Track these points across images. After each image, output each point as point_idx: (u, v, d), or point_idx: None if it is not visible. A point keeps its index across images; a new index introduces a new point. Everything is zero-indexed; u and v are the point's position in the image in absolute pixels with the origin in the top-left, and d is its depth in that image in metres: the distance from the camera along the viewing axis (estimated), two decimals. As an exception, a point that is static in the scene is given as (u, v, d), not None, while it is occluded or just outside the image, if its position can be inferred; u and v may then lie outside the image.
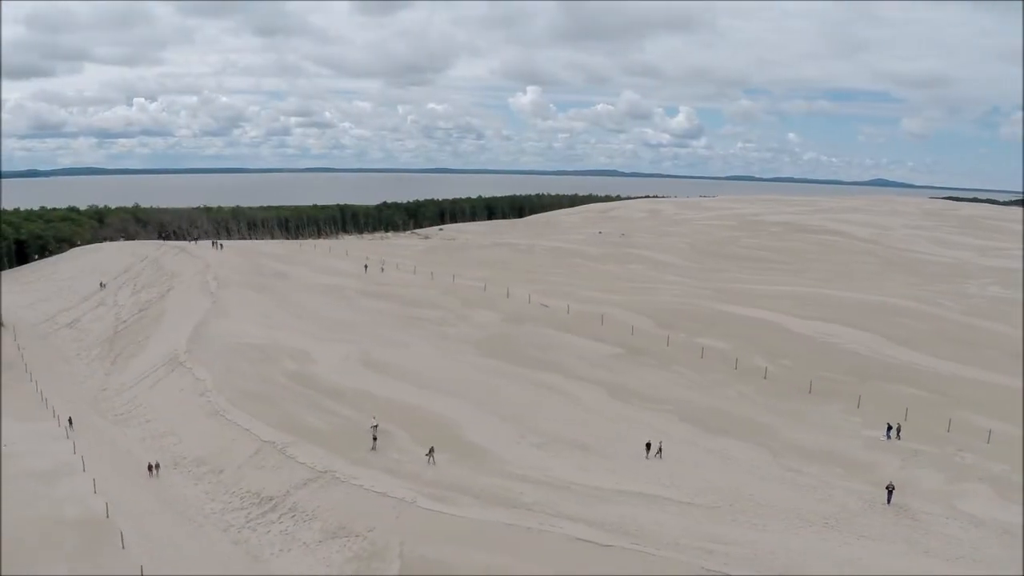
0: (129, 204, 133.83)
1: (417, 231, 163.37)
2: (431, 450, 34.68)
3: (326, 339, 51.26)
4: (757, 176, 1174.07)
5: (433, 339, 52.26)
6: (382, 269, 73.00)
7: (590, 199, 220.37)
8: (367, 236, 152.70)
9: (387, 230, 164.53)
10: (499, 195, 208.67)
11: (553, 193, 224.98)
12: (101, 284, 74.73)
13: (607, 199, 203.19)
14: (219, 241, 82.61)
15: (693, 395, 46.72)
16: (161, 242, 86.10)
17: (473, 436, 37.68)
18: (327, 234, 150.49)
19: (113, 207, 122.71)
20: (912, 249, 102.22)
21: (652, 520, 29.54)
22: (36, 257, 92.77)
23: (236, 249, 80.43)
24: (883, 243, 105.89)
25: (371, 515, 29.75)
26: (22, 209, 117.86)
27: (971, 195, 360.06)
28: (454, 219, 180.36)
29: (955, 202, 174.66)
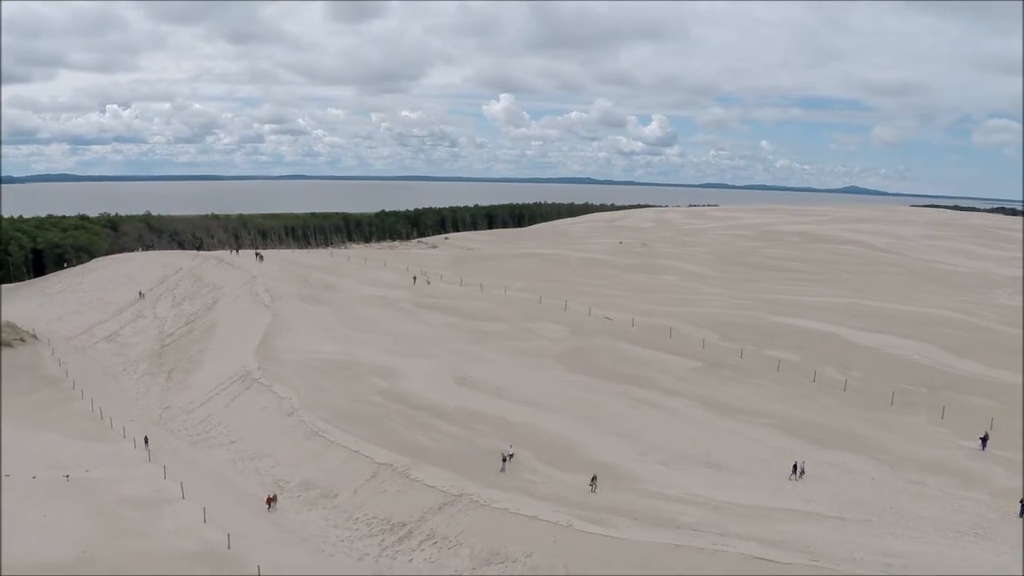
0: (110, 211, 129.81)
1: (423, 240, 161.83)
2: (594, 479, 33.23)
3: (403, 354, 49.93)
4: (730, 183, 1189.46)
5: (512, 354, 51.22)
6: (428, 281, 71.74)
7: (587, 208, 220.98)
8: (374, 245, 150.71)
9: (392, 239, 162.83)
10: (498, 203, 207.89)
11: (551, 202, 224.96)
12: (141, 294, 72.32)
13: (614, 208, 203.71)
14: (260, 252, 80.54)
15: (786, 408, 46.40)
16: (195, 252, 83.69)
17: (599, 455, 36.78)
18: (334, 243, 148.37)
19: (124, 215, 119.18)
20: (933, 259, 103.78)
21: (815, 536, 28.99)
22: (66, 265, 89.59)
23: (271, 259, 78.52)
24: (903, 253, 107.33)
25: (525, 540, 28.72)
26: (23, 216, 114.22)
27: (948, 203, 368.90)
28: (455, 227, 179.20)
29: (962, 212, 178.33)
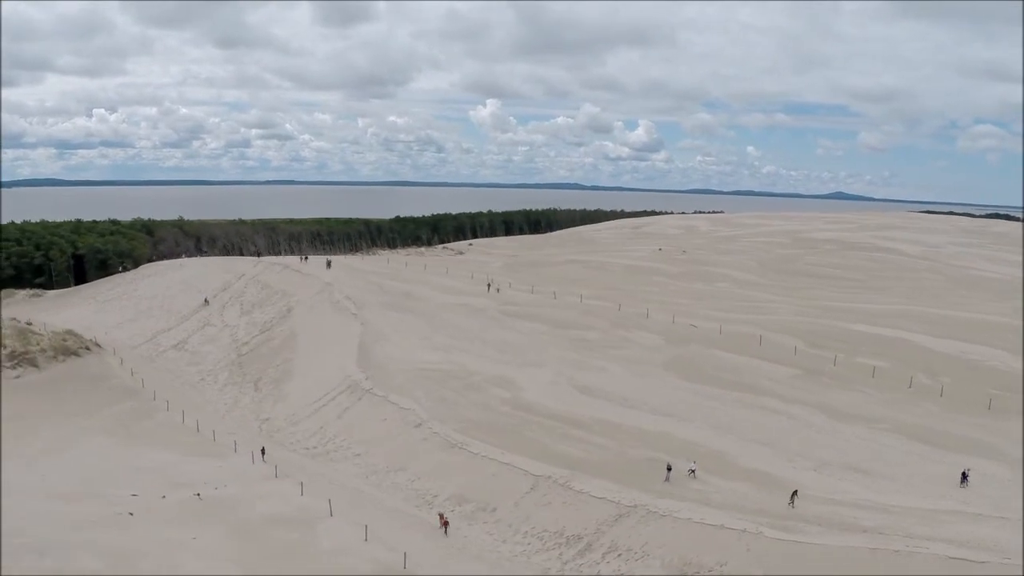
0: (101, 216, 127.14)
1: (448, 246, 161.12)
2: (794, 493, 32.97)
3: (511, 363, 49.51)
4: (717, 189, 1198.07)
5: (618, 362, 50.98)
6: (497, 289, 71.30)
7: (599, 215, 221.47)
8: (401, 251, 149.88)
9: (415, 244, 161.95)
10: (513, 209, 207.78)
11: (564, 208, 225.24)
12: (206, 300, 71.20)
13: (624, 215, 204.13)
14: (329, 259, 79.59)
15: (896, 414, 46.64)
16: (255, 259, 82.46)
17: (750, 463, 36.73)
18: (363, 249, 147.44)
19: (158, 220, 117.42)
20: (970, 266, 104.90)
21: (993, 536, 29.14)
22: (122, 269, 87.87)
23: (335, 266, 77.63)
24: (937, 260, 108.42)
25: (716, 549, 28.54)
26: (30, 220, 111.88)
27: (937, 208, 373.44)
28: (474, 233, 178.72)
29: (983, 219, 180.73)
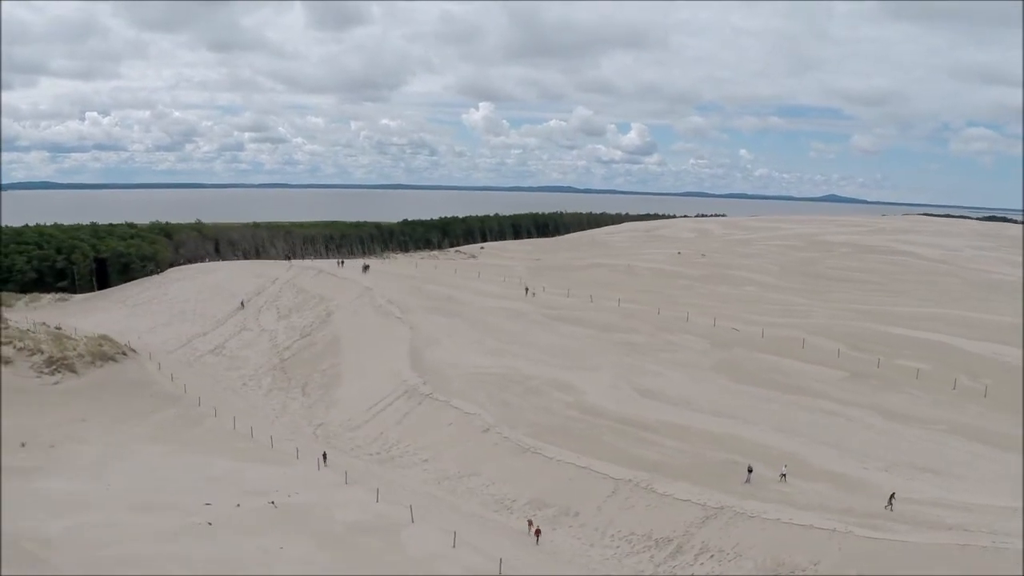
0: (87, 220, 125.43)
1: (460, 249, 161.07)
2: (892, 496, 33.11)
3: (567, 367, 49.66)
4: (709, 192, 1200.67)
5: (670, 365, 51.24)
6: (533, 293, 71.48)
7: (604, 218, 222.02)
8: (415, 254, 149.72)
9: (427, 248, 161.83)
10: (521, 212, 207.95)
11: (570, 211, 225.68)
12: (242, 304, 71.01)
13: (639, 218, 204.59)
14: (367, 263, 79.47)
15: (948, 415, 47.09)
16: (286, 262, 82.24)
17: (822, 464, 37.09)
18: (374, 252, 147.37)
19: (175, 223, 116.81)
20: (989, 269, 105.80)
21: None
22: (153, 272, 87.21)
23: (358, 269, 77.53)
24: (957, 263, 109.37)
25: (807, 548, 28.87)
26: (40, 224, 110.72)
27: (935, 211, 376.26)
28: (483, 237, 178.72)
29: (996, 223, 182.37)
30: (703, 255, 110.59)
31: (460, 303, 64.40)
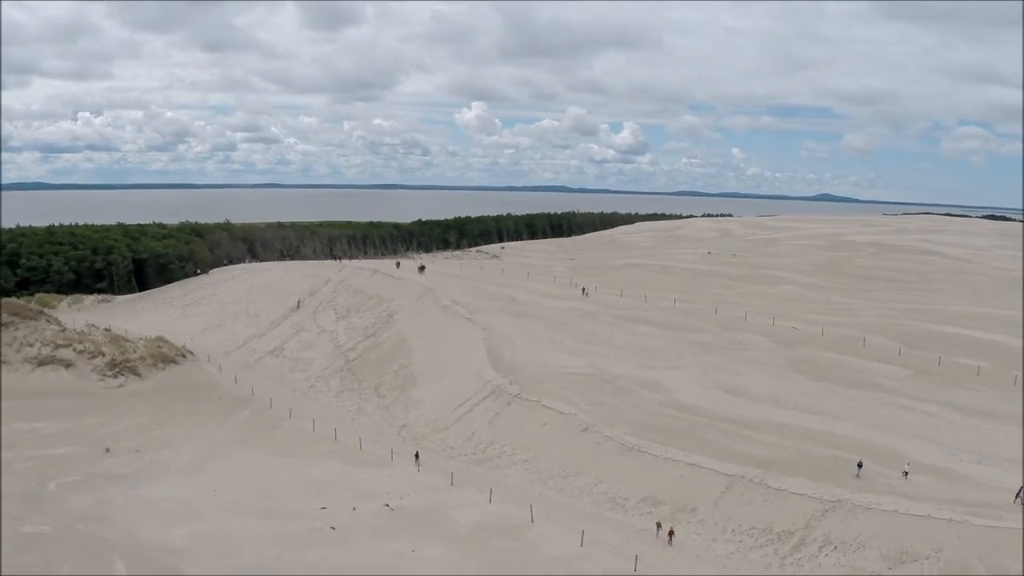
0: (82, 220, 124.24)
1: (481, 249, 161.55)
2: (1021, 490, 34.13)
3: (651, 366, 50.43)
4: (702, 191, 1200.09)
5: (746, 364, 52.08)
6: (586, 292, 72.21)
7: (615, 218, 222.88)
8: (439, 254, 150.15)
9: (445, 247, 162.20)
10: (535, 212, 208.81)
11: (583, 211, 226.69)
12: (298, 303, 71.30)
13: (659, 217, 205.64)
14: (423, 264, 79.94)
15: (1016, 409, 48.03)
16: (339, 262, 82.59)
17: (920, 457, 38.18)
18: (398, 251, 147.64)
19: (204, 223, 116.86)
20: (1012, 268, 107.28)
21: None
22: (198, 272, 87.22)
23: (413, 269, 78.00)
24: (981, 262, 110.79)
25: (929, 537, 30.05)
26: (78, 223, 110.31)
27: (930, 210, 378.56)
28: (499, 237, 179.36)
29: (1015, 222, 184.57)
30: (734, 255, 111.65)
31: (523, 303, 65.04)
